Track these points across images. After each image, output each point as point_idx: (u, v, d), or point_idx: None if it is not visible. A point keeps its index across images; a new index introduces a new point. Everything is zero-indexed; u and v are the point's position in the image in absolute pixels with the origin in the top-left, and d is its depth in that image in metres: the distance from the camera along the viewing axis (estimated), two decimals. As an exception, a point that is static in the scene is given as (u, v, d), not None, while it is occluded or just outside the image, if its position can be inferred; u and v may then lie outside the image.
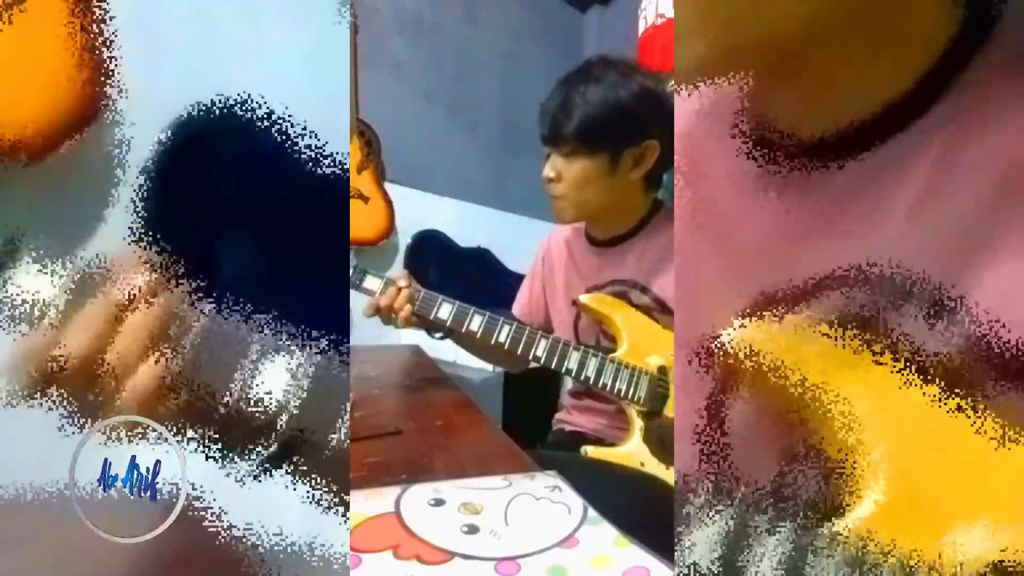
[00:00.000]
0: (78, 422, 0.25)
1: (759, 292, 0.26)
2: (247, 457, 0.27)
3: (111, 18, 0.28)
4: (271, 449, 0.27)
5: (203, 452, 0.27)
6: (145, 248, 0.28)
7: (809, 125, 0.26)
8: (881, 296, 0.23)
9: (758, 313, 0.25)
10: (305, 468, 0.28)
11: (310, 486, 0.28)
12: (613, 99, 0.71)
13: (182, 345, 0.27)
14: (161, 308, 0.27)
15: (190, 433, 0.27)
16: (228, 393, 0.27)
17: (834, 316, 0.24)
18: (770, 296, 0.26)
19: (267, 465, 0.27)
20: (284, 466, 0.27)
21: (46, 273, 0.26)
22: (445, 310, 0.73)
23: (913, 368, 0.22)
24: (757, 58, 0.24)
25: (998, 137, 0.22)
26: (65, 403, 0.25)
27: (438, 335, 0.79)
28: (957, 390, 0.22)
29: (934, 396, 0.22)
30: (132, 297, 0.26)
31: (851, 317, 0.24)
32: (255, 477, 0.27)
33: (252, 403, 0.27)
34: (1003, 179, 0.22)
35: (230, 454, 0.27)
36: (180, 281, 0.27)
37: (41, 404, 0.25)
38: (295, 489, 0.27)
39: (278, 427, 0.27)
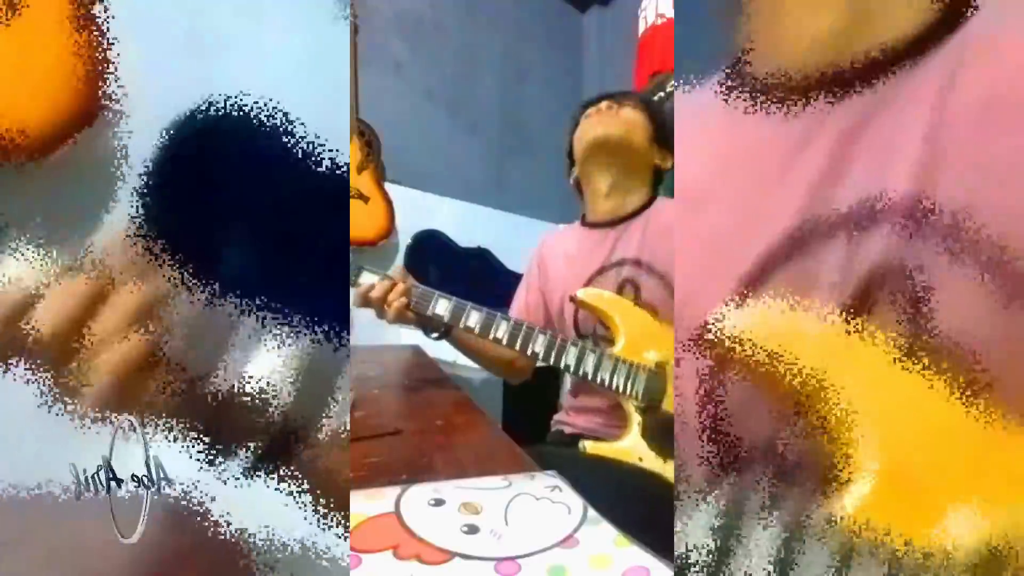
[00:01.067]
0: (64, 408, 0.25)
1: (750, 275, 0.26)
2: (247, 456, 0.27)
3: (111, 18, 0.28)
4: (271, 449, 0.27)
5: (202, 451, 0.27)
6: (145, 248, 0.28)
7: (828, 58, 0.26)
8: (895, 236, 0.23)
9: (750, 296, 0.26)
10: (305, 468, 0.28)
11: (310, 486, 0.28)
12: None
13: (180, 345, 0.27)
14: (157, 308, 0.27)
15: (190, 432, 0.27)
16: (228, 393, 0.27)
17: (829, 298, 0.24)
18: (761, 277, 0.26)
19: (267, 464, 0.27)
20: (284, 465, 0.27)
21: (40, 272, 0.26)
22: (443, 306, 0.73)
23: (907, 349, 0.23)
24: None
25: (1005, 59, 0.23)
26: (47, 385, 0.25)
27: (434, 335, 0.79)
28: (952, 370, 0.22)
29: (927, 377, 0.22)
30: (129, 296, 0.26)
31: (847, 297, 0.24)
32: (255, 476, 0.27)
33: (252, 402, 0.27)
34: (1007, 102, 0.22)
35: (230, 453, 0.27)
36: (180, 281, 0.27)
37: (14, 376, 0.25)
38: (295, 489, 0.27)
39: (279, 426, 0.27)
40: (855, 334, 0.23)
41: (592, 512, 0.33)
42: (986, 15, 0.24)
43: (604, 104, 0.84)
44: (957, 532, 0.21)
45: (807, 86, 0.27)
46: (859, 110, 0.26)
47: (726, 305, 0.26)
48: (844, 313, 0.24)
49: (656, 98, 0.97)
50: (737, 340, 0.25)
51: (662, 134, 0.84)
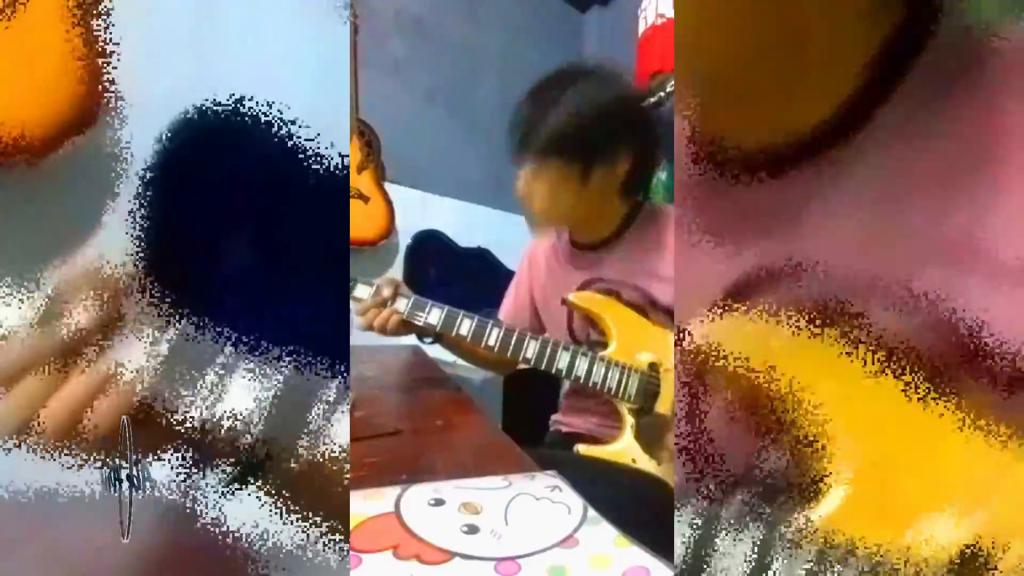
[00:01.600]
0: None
1: (724, 286, 0.27)
2: (247, 458, 0.27)
3: (111, 18, 0.28)
4: (268, 455, 0.27)
5: (202, 452, 0.27)
6: (144, 249, 0.28)
7: (765, 135, 0.27)
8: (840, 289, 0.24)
9: (725, 307, 0.26)
10: (305, 468, 0.28)
11: (310, 486, 0.28)
12: (580, 112, 0.70)
13: (170, 359, 0.27)
14: (153, 312, 0.27)
15: (189, 433, 0.27)
16: (218, 404, 0.27)
17: (798, 307, 0.25)
18: (736, 289, 0.26)
19: (267, 470, 0.27)
20: (284, 469, 0.27)
21: (38, 277, 0.26)
22: (435, 315, 0.73)
23: (879, 358, 0.23)
24: (710, 76, 0.25)
25: (943, 136, 0.23)
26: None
27: (428, 340, 0.80)
28: (923, 379, 0.22)
29: (900, 386, 0.23)
30: (124, 310, 0.26)
31: (815, 308, 0.24)
32: (254, 485, 0.27)
33: (244, 414, 0.27)
34: (954, 172, 0.23)
35: (228, 456, 0.27)
36: (178, 283, 0.27)
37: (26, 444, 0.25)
38: (295, 489, 0.27)
39: (277, 427, 0.27)
40: (828, 344, 0.24)
41: (592, 512, 0.33)
42: (922, 83, 0.24)
43: (518, 186, 0.74)
44: (931, 538, 0.21)
45: (753, 160, 0.27)
46: (802, 184, 0.26)
47: (707, 316, 0.26)
48: (817, 325, 0.24)
49: (656, 98, 0.94)
50: (714, 349, 0.26)
51: (590, 156, 0.70)
